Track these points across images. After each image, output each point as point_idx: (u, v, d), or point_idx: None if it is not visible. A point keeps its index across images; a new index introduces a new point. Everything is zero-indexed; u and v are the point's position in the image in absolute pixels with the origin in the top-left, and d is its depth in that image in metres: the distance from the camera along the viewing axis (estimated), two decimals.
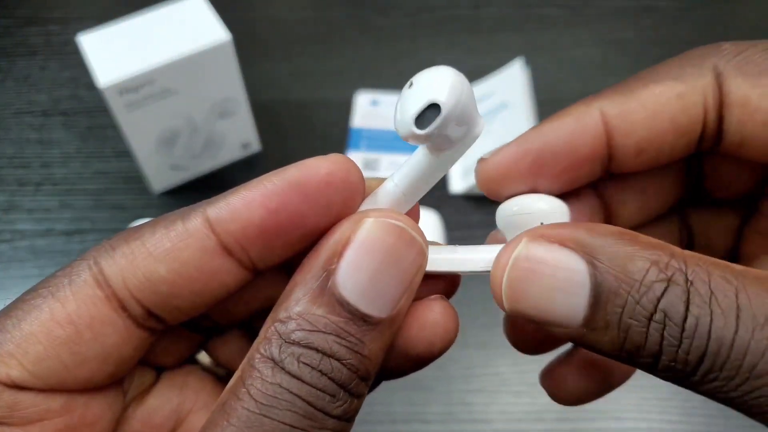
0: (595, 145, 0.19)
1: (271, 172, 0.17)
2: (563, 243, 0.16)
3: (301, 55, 0.69)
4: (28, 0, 0.76)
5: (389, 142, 0.61)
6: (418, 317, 0.18)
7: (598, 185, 0.21)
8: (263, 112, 0.60)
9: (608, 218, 0.22)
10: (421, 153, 0.18)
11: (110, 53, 0.49)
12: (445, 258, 0.19)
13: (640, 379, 0.51)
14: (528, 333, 0.22)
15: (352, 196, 0.17)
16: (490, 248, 0.19)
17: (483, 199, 0.57)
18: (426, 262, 0.17)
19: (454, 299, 0.19)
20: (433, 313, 0.18)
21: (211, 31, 0.50)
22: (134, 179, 0.59)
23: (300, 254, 0.17)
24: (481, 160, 0.20)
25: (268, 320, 0.16)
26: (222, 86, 0.53)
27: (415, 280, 0.17)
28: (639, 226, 0.22)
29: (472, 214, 0.56)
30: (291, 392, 0.15)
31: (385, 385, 0.21)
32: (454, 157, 0.18)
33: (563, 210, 0.19)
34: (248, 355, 0.16)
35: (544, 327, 0.17)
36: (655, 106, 0.18)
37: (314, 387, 0.15)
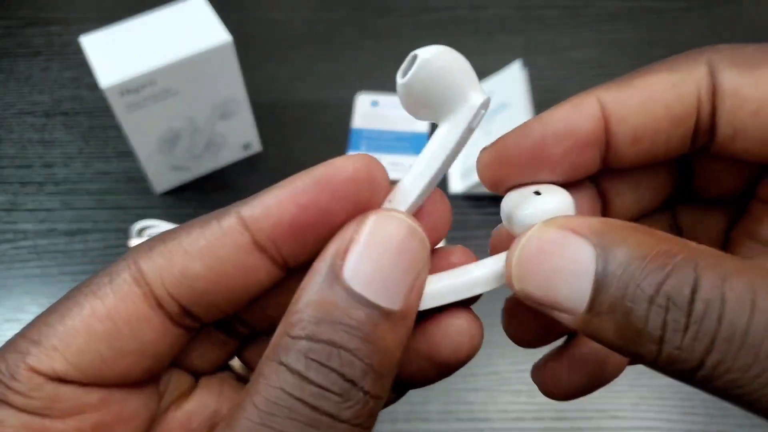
0: (593, 128, 0.19)
1: (301, 172, 0.18)
2: (575, 230, 0.16)
3: (302, 57, 0.69)
4: (30, 1, 0.76)
5: (389, 142, 0.62)
6: (443, 324, 0.19)
7: (595, 179, 0.21)
8: (264, 113, 0.61)
9: (605, 212, 0.22)
10: (430, 140, 0.19)
11: (112, 54, 0.50)
12: (451, 284, 0.19)
13: (640, 378, 0.52)
14: (526, 325, 0.22)
15: (375, 192, 0.18)
16: (494, 261, 0.19)
17: (483, 198, 0.57)
18: (429, 257, 0.18)
19: None
20: (460, 320, 0.19)
21: (212, 33, 0.51)
22: (136, 179, 0.60)
23: None
24: (482, 150, 0.20)
25: (280, 325, 0.16)
26: (223, 87, 0.54)
27: (422, 273, 0.17)
28: (633, 220, 0.22)
29: (471, 214, 0.57)
30: (293, 396, 0.15)
31: None
32: (457, 130, 0.18)
33: (569, 207, 0.19)
34: (259, 362, 0.16)
35: (549, 312, 0.17)
36: (650, 93, 0.19)
37: (320, 386, 0.15)
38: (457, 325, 0.19)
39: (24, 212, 0.59)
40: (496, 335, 0.23)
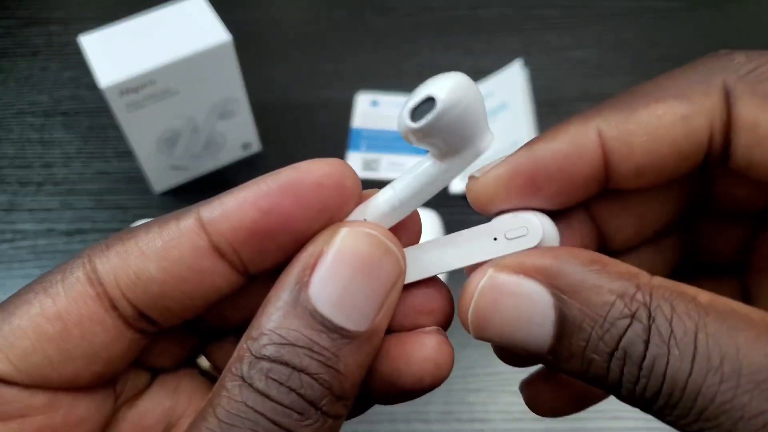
0: (591, 167, 0.18)
1: (266, 174, 0.17)
2: (528, 273, 0.16)
3: (302, 56, 0.69)
4: (29, 1, 0.76)
5: (389, 142, 0.61)
6: (409, 350, 0.18)
7: (591, 206, 0.20)
8: (264, 113, 0.61)
9: (601, 241, 0.20)
10: (425, 163, 0.17)
11: (111, 54, 0.49)
12: (426, 260, 0.19)
13: None
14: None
15: (344, 200, 0.17)
16: (468, 236, 0.19)
17: None
18: (403, 276, 0.17)
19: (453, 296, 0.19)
20: (426, 347, 0.18)
21: (212, 32, 0.51)
22: (135, 179, 0.59)
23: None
24: (471, 178, 0.19)
25: (243, 338, 0.16)
26: (222, 87, 0.54)
27: (393, 293, 0.17)
28: (635, 247, 0.21)
29: (471, 214, 0.56)
30: (255, 410, 0.15)
31: None
32: (455, 169, 0.17)
33: (552, 237, 0.18)
34: (221, 375, 0.16)
35: (512, 350, 0.17)
36: (657, 129, 0.17)
37: (280, 404, 0.15)
38: (424, 352, 0.17)
39: (23, 212, 0.58)
40: None
